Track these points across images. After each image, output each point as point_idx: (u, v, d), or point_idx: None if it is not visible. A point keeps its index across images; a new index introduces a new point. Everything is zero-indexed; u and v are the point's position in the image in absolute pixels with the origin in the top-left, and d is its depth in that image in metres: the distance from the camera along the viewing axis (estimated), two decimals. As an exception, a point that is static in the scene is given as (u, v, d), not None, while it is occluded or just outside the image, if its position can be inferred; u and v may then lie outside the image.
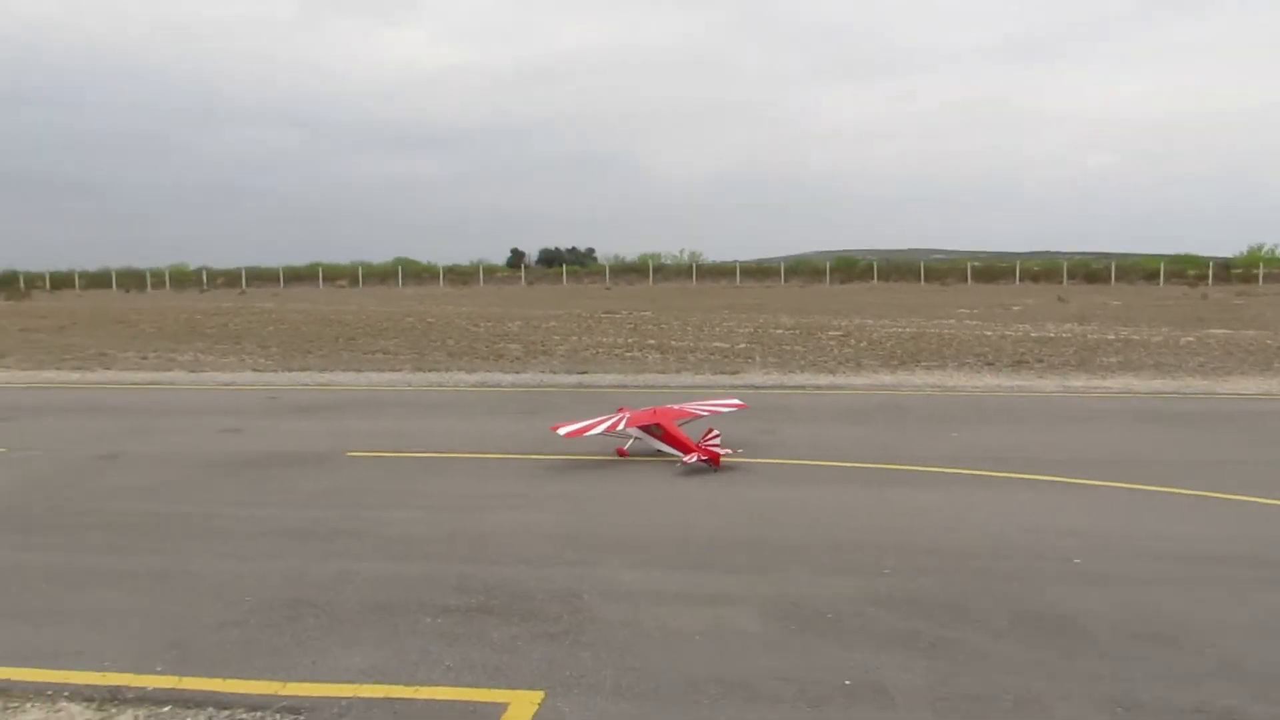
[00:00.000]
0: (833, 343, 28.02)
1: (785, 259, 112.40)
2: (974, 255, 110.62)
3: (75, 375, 22.16)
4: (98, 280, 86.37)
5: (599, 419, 11.84)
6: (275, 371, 22.50)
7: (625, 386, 19.22)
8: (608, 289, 79.99)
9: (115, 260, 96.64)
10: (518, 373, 21.72)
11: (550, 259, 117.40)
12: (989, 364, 22.18)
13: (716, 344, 28.21)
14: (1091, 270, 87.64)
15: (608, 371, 21.63)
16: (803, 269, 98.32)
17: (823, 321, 36.59)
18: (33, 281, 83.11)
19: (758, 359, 23.82)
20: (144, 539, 8.72)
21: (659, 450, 11.67)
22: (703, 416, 12.81)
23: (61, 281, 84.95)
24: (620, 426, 11.72)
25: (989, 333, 31.35)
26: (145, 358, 25.72)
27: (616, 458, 11.91)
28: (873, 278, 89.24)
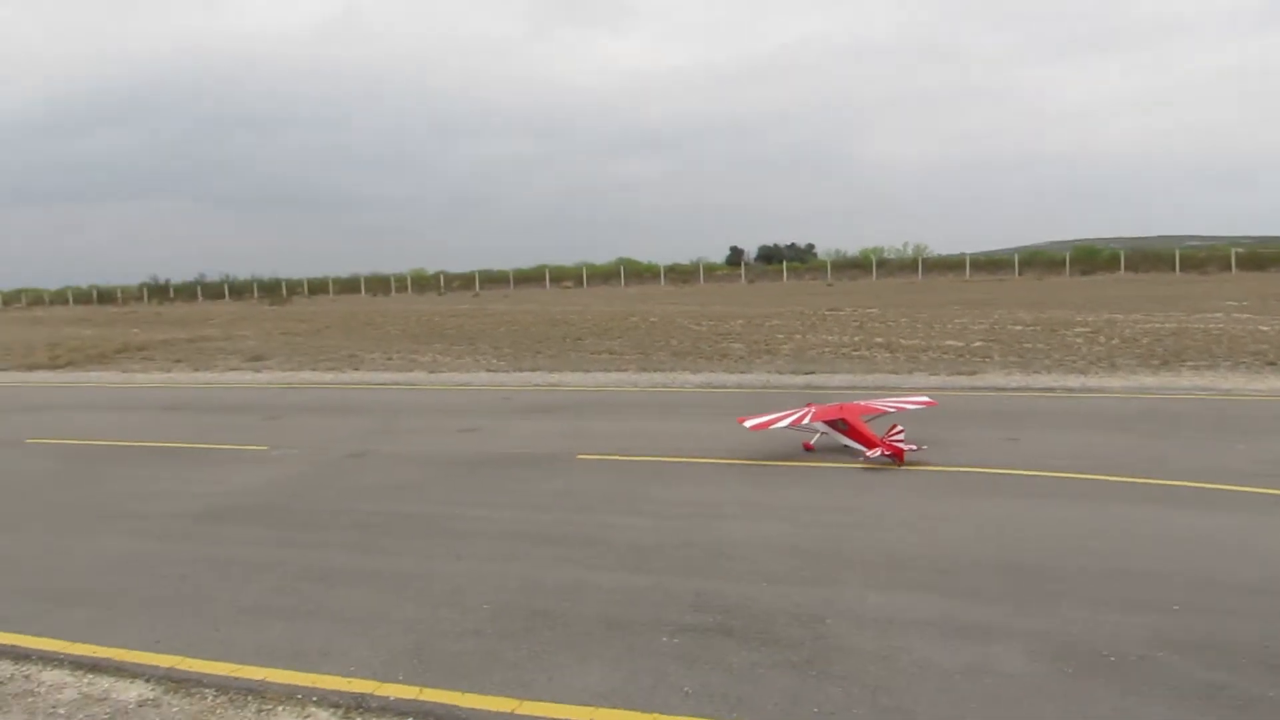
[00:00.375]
0: (1079, 340, 25.93)
1: (1017, 250, 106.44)
2: (1236, 240, 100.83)
3: (329, 376, 23.63)
4: (349, 286, 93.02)
5: (785, 413, 11.99)
6: (507, 372, 23.13)
7: (855, 387, 18.45)
8: (829, 285, 78.37)
9: (363, 267, 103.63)
10: (742, 373, 21.35)
11: (769, 256, 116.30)
12: (1270, 364, 19.78)
13: (949, 342, 26.76)
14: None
15: (835, 371, 20.89)
16: (1037, 261, 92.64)
17: (1065, 317, 34.05)
18: (293, 288, 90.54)
19: (995, 358, 22.34)
20: (389, 538, 8.93)
21: (844, 445, 11.74)
22: (889, 413, 12.56)
23: (317, 287, 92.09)
24: (806, 421, 11.77)
25: (1265, 328, 28.11)
26: (390, 359, 27.14)
27: (853, 465, 11.31)
28: (1119, 268, 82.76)
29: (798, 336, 30.21)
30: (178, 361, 28.57)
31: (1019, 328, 30.94)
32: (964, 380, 19.02)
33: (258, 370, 25.53)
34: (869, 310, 42.56)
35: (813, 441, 12.12)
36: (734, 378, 20.57)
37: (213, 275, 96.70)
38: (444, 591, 7.35)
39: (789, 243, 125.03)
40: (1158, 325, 29.80)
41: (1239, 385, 17.14)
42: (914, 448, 11.11)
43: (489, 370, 23.69)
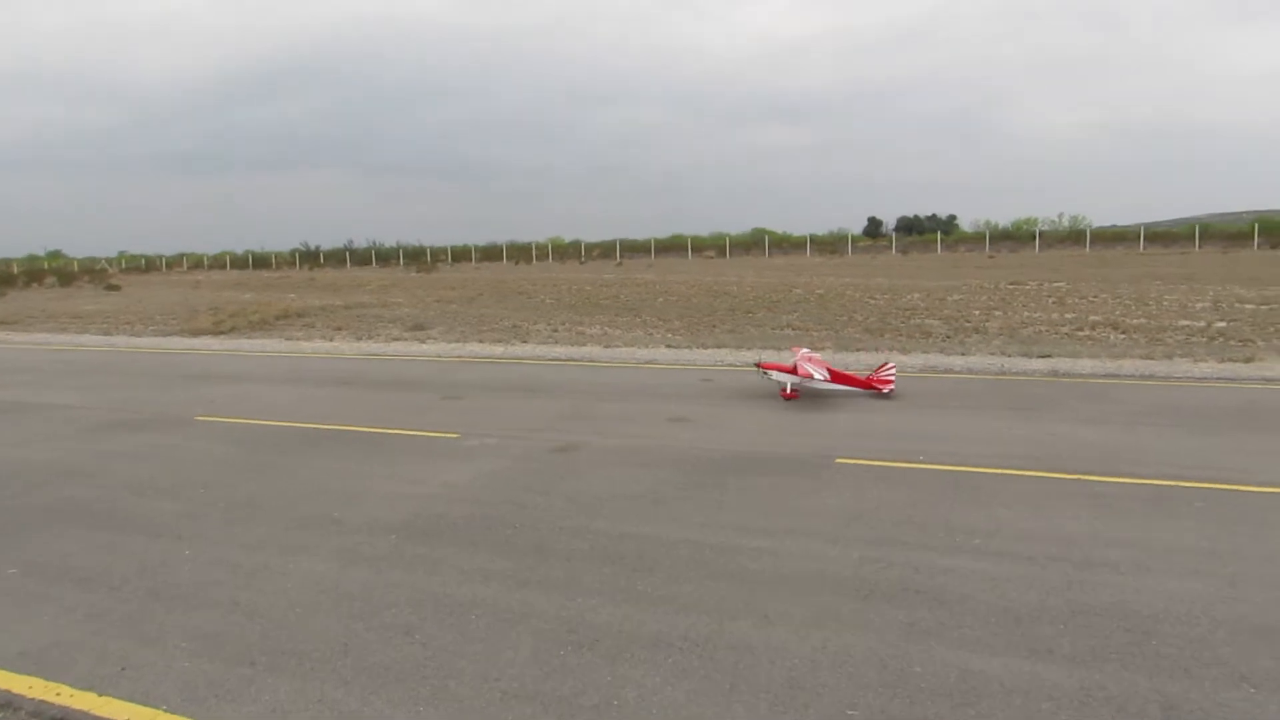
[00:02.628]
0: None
1: (1178, 221, 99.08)
2: None
3: (498, 349, 21.98)
4: (490, 254, 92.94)
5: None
6: (689, 348, 21.02)
7: (1114, 376, 15.65)
8: (990, 257, 73.82)
9: (500, 235, 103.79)
10: (963, 354, 18.64)
11: (909, 226, 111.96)
12: None
13: (1183, 322, 23.33)
14: None
15: (1074, 356, 17.96)
16: (1214, 233, 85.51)
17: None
18: (436, 255, 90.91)
19: (1259, 342, 18.99)
20: (656, 578, 6.88)
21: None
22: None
23: (460, 255, 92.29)
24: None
25: None
26: (555, 331, 25.42)
27: (1226, 486, 8.70)
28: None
29: (997, 313, 27.19)
30: (338, 329, 27.50)
31: (1249, 306, 27.16)
32: (1241, 369, 15.91)
33: (422, 341, 24.11)
34: (1055, 284, 38.95)
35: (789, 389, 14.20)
36: (955, 360, 17.91)
37: (360, 242, 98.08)
38: (779, 682, 5.21)
39: (929, 214, 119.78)
40: None
41: None
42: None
43: (668, 346, 21.62)
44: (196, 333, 28.43)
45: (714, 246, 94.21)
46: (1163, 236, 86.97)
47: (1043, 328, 23.07)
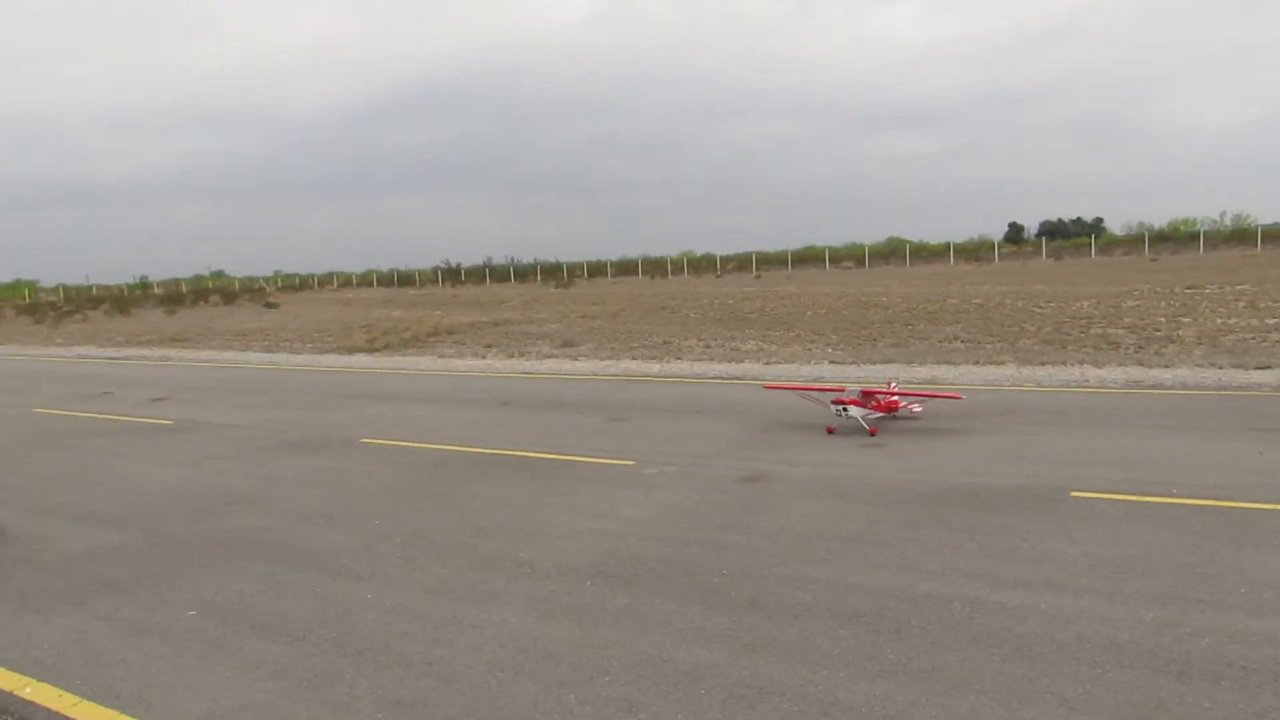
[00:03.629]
0: None
1: None
2: None
3: (654, 367, 21.22)
4: (625, 268, 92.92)
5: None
6: (855, 364, 19.79)
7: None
8: (1153, 260, 69.39)
9: (631, 249, 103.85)
10: (1166, 367, 16.85)
11: (1052, 231, 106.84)
12: None
13: None
14: None
15: (1301, 368, 15.93)
16: None
17: None
18: (572, 271, 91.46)
19: None
20: (909, 645, 5.88)
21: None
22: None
23: (595, 270, 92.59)
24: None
25: None
26: (709, 347, 24.54)
27: None
28: None
29: (1185, 320, 24.97)
30: (489, 347, 27.30)
31: None
32: None
33: (574, 358, 23.57)
34: (1238, 287, 35.95)
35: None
36: (1163, 374, 16.15)
37: (498, 259, 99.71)
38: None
39: (1074, 217, 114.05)
40: None
41: None
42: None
43: (832, 361, 20.42)
44: (352, 350, 28.72)
45: (851, 257, 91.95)
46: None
47: (1246, 335, 20.93)
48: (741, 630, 6.21)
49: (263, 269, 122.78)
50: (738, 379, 18.83)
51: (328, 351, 29.21)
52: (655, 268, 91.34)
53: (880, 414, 12.83)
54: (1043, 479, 9.57)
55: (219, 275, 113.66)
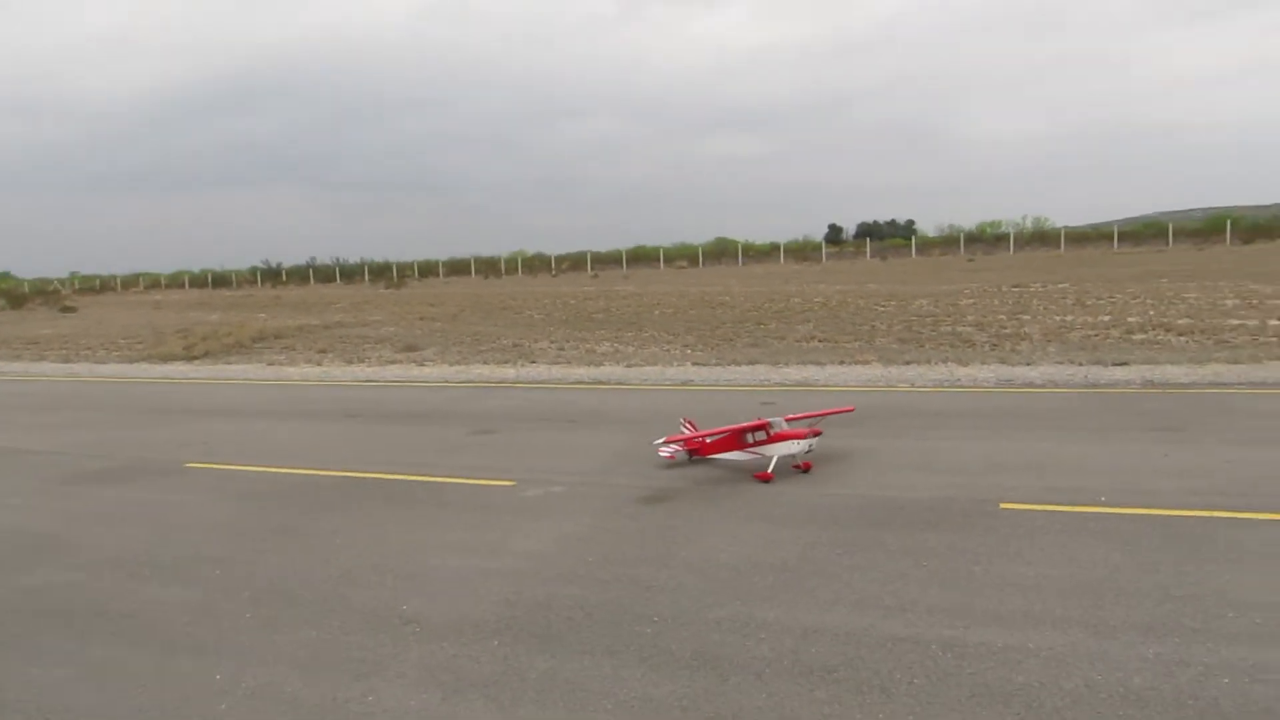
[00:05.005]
0: None
1: (1131, 220, 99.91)
2: None
3: (509, 372, 19.92)
4: (458, 268, 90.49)
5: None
6: (720, 366, 19.12)
7: (1221, 385, 14.04)
8: (970, 260, 72.89)
9: (462, 249, 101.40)
10: (1029, 365, 16.90)
11: (869, 231, 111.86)
12: None
13: (1233, 321, 21.83)
14: None
15: (1153, 364, 16.27)
16: (1186, 230, 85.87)
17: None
18: (403, 271, 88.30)
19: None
20: (897, 706, 5.04)
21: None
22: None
23: (427, 270, 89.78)
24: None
25: None
26: (562, 349, 23.41)
27: None
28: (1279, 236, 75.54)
29: (1024, 318, 25.65)
30: (323, 352, 25.24)
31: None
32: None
33: (420, 364, 21.94)
34: (1058, 285, 37.76)
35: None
36: (1029, 371, 16.15)
37: (323, 259, 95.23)
38: None
39: (888, 219, 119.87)
40: None
41: None
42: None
43: (695, 364, 19.65)
44: (167, 358, 25.99)
45: (684, 256, 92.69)
46: (1130, 235, 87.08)
47: (1088, 332, 21.50)
48: (698, 698, 5.14)
49: (58, 271, 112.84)
50: (602, 383, 17.77)
51: (138, 360, 26.35)
52: (488, 267, 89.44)
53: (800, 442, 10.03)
54: (965, 490, 8.94)
55: (5, 277, 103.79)
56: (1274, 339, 18.48)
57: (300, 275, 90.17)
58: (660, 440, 10.60)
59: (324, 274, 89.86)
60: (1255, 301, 26.30)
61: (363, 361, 23.02)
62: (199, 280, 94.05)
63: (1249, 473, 8.95)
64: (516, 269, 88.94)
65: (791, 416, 10.48)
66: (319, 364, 23.02)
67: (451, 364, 21.72)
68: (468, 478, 10.57)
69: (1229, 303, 26.76)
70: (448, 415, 14.92)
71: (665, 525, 8.42)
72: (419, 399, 17.02)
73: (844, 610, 6.26)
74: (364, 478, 10.84)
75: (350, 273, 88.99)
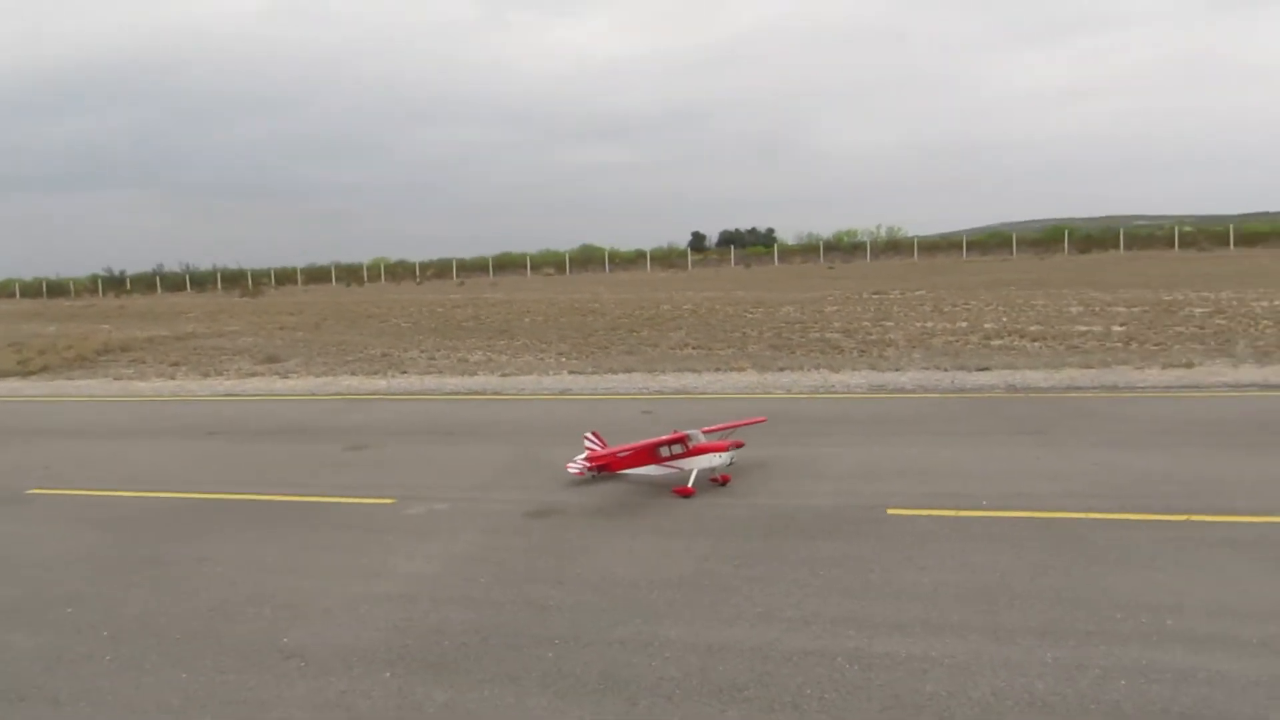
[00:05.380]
0: (1220, 322, 22.42)
1: (977, 230, 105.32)
2: (1181, 219, 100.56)
3: (380, 383, 19.28)
4: (318, 275, 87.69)
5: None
6: (597, 374, 18.99)
7: (1077, 389, 14.72)
8: (830, 268, 75.03)
9: (322, 256, 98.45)
10: (897, 370, 17.38)
11: (731, 240, 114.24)
12: None
13: (1080, 327, 23.06)
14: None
15: (1012, 368, 16.99)
16: (1028, 241, 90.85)
17: (1152, 297, 30.62)
18: (258, 279, 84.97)
19: (1176, 347, 18.63)
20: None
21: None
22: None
23: (284, 278, 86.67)
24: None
25: None
26: (433, 358, 22.86)
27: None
28: (1116, 247, 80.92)
29: (887, 324, 26.50)
30: (176, 365, 23.92)
31: (1120, 309, 27.53)
32: (1199, 375, 15.28)
33: (283, 376, 21.02)
34: (915, 292, 39.23)
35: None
36: (899, 377, 16.61)
37: (171, 266, 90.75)
38: None
39: (749, 227, 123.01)
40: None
41: None
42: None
43: (571, 372, 19.46)
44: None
45: (551, 264, 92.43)
46: (977, 245, 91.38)
47: (949, 338, 22.29)
48: (610, 725, 4.95)
49: None
50: (478, 393, 17.37)
51: (-35, 375, 24.37)
52: (350, 275, 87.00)
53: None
54: (853, 497, 9.04)
55: None
56: (1119, 344, 19.51)
57: (147, 283, 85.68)
58: (581, 458, 10.23)
59: (173, 282, 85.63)
60: (1097, 308, 27.84)
61: (221, 375, 21.91)
62: (31, 289, 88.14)
63: (1117, 475, 9.34)
64: (380, 276, 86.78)
65: (708, 429, 10.15)
66: (172, 378, 21.78)
67: (317, 375, 20.89)
68: (345, 497, 10.09)
69: (1074, 309, 28.23)
70: (317, 430, 14.28)
71: (557, 541, 8.19)
72: (285, 413, 16.26)
73: (747, 625, 6.18)
74: (231, 500, 10.23)
75: (202, 280, 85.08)
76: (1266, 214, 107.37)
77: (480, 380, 18.99)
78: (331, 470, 11.44)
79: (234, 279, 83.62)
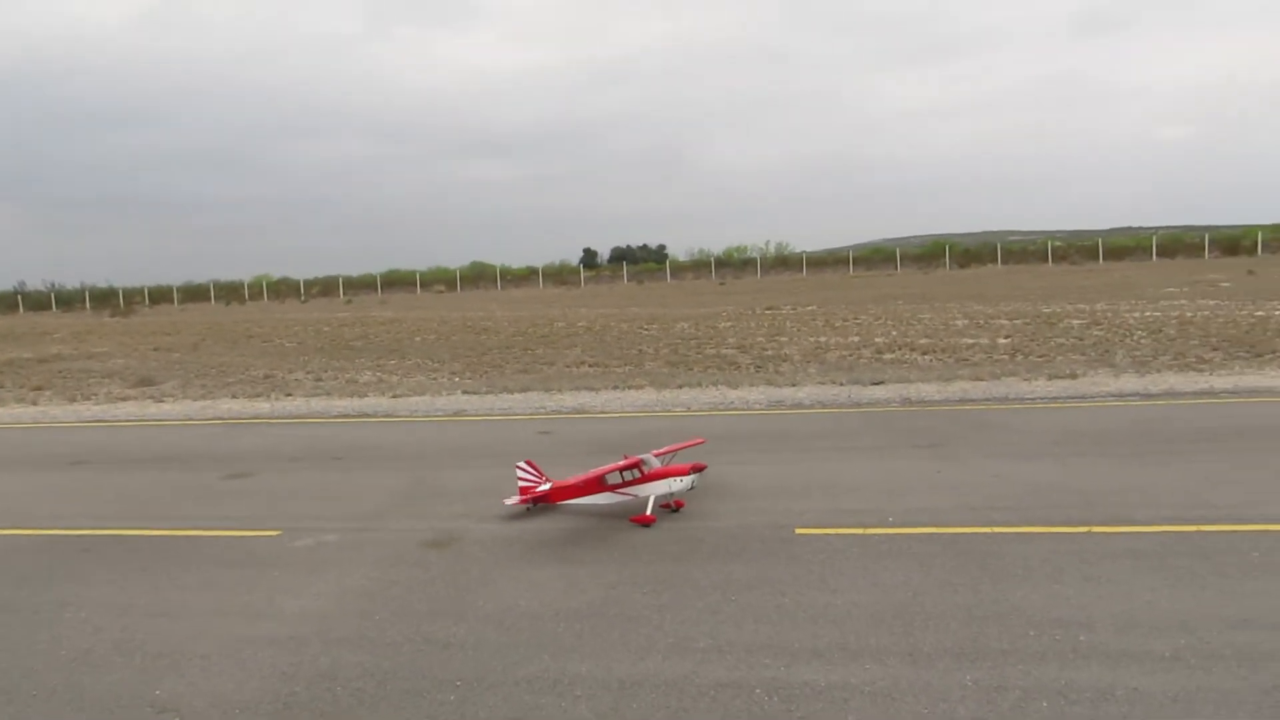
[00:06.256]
0: (1097, 333, 23.31)
1: (862, 246, 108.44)
2: (1052, 234, 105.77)
3: (263, 406, 18.43)
4: (196, 294, 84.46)
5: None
6: (492, 394, 18.53)
7: (969, 401, 14.98)
8: (721, 284, 75.88)
9: (199, 273, 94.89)
10: (794, 386, 17.46)
11: (622, 256, 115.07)
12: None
13: (968, 340, 23.67)
14: (1231, 241, 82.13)
15: (905, 381, 17.26)
16: (909, 256, 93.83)
17: (1030, 309, 31.81)
18: (130, 297, 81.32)
19: (1059, 359, 19.24)
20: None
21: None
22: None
23: (159, 296, 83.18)
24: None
25: (1261, 313, 26.48)
26: (320, 380, 22.02)
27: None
28: (992, 262, 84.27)
29: (782, 339, 26.78)
30: (39, 389, 22.48)
31: (1004, 322, 28.47)
32: (1084, 385, 15.75)
33: (158, 400, 19.92)
34: (807, 308, 39.90)
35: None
36: (797, 392, 16.67)
37: (34, 284, 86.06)
38: None
39: (640, 244, 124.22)
40: (1153, 314, 27.78)
41: None
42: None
43: (465, 392, 18.98)
44: None
45: (442, 281, 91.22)
46: (863, 260, 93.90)
47: (842, 353, 22.57)
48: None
49: None
50: (369, 416, 16.73)
51: None
52: (230, 293, 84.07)
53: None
54: (760, 516, 8.89)
55: None
56: (1005, 356, 20.03)
57: (7, 302, 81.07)
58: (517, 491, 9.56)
59: (36, 301, 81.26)
60: (981, 321, 28.66)
61: (89, 399, 20.64)
62: None
63: (1015, 487, 9.43)
64: (262, 294, 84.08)
65: (658, 452, 9.68)
66: (34, 403, 20.43)
67: (195, 399, 19.86)
68: (225, 529, 9.47)
69: (960, 323, 29.01)
70: (195, 457, 13.48)
71: (456, 573, 7.79)
72: (160, 440, 15.34)
73: (660, 656, 5.91)
74: (98, 536, 9.48)
75: (68, 299, 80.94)
76: (1129, 229, 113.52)
77: (371, 402, 18.34)
78: (210, 501, 10.76)
79: (104, 298, 79.89)
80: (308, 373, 23.57)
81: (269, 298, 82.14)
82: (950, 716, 4.97)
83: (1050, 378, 16.86)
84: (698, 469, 8.97)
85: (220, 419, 17.19)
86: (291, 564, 8.25)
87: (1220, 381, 15.41)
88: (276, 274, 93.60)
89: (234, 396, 19.94)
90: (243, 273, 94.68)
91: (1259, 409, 13.29)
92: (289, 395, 19.78)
